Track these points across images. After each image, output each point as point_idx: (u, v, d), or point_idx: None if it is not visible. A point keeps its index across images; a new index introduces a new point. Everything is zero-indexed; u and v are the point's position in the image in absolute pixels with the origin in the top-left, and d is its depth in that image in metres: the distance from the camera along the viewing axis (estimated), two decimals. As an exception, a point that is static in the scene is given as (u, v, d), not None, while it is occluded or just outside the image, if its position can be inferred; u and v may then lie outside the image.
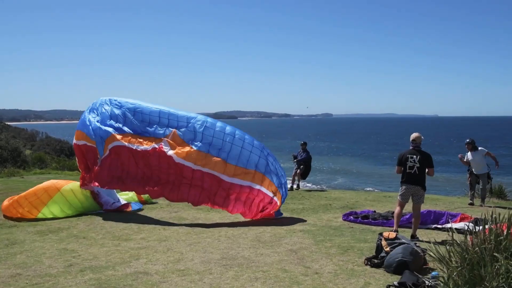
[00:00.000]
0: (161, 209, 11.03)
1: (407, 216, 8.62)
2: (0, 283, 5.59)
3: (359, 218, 9.20)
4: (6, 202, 9.87)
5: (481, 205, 11.14)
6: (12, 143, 27.21)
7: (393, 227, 8.49)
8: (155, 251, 7.05)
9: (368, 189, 26.45)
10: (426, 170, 7.58)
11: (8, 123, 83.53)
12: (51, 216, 9.83)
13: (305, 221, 9.38)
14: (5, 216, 9.73)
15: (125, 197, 11.49)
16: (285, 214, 10.10)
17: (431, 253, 4.74)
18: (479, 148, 11.53)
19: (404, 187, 7.67)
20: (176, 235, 8.20)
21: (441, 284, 4.53)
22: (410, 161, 7.54)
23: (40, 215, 9.75)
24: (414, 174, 7.53)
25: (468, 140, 11.70)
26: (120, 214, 10.38)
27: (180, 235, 8.19)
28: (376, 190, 22.52)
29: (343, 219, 9.42)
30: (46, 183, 10.25)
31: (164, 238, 7.96)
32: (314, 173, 44.88)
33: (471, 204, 11.41)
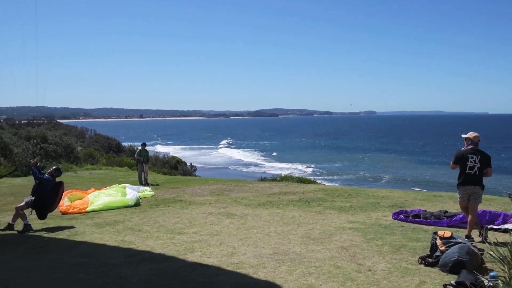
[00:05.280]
0: (210, 205, 11.29)
1: (460, 216, 8.42)
2: (69, 270, 5.96)
3: (410, 217, 9.04)
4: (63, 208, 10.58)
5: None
6: (66, 140, 28.31)
7: (444, 226, 8.33)
8: (208, 244, 7.27)
9: (416, 189, 25.82)
10: (484, 170, 7.36)
11: (59, 121, 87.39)
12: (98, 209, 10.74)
13: (354, 219, 9.34)
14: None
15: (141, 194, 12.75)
16: (333, 212, 10.10)
17: (491, 253, 4.64)
18: None
19: (463, 188, 7.40)
20: (227, 230, 8.39)
21: (501, 284, 4.44)
22: (471, 161, 7.27)
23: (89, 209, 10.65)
24: (474, 175, 7.26)
25: None
26: (171, 208, 10.75)
27: (231, 230, 8.38)
28: (424, 190, 21.92)
29: (393, 218, 9.29)
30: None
31: (215, 232, 8.17)
32: (356, 170, 44.57)
33: None
